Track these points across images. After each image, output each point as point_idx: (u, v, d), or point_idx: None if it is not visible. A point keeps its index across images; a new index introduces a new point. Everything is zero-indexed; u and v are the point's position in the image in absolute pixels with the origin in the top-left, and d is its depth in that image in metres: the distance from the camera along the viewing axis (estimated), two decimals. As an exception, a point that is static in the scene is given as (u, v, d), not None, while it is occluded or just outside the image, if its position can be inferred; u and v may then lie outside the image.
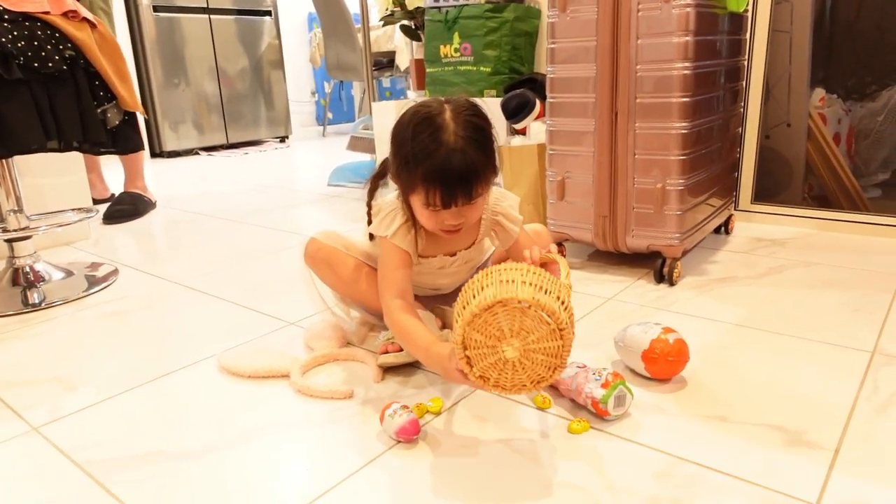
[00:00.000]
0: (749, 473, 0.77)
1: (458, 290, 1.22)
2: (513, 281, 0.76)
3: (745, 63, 1.78)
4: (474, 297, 0.76)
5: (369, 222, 1.07)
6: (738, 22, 1.60)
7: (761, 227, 1.85)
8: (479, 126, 0.95)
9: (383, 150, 1.16)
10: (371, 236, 1.11)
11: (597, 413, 0.89)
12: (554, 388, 0.97)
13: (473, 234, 1.13)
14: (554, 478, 0.78)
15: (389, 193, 1.08)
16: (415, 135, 0.93)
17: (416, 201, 0.97)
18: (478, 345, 0.76)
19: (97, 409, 0.99)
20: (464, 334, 0.76)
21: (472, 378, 0.79)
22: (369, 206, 1.08)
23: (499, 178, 1.96)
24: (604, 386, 0.89)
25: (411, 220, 1.04)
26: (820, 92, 1.90)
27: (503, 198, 1.11)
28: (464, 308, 0.77)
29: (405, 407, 0.87)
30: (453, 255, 1.13)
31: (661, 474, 0.77)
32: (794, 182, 1.93)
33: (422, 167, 0.92)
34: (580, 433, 0.86)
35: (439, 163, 0.91)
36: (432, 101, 0.96)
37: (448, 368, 0.84)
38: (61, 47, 1.42)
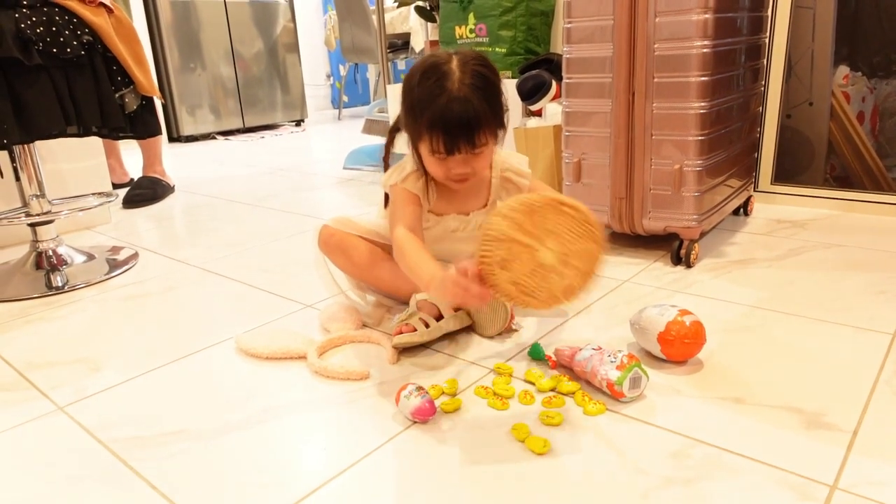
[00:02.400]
0: (765, 455, 0.76)
1: None
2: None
3: (767, 40, 1.74)
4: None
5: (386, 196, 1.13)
6: (759, -2, 1.56)
7: (782, 209, 1.82)
8: (484, 76, 0.97)
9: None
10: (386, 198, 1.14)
11: (612, 395, 0.89)
12: (569, 370, 0.98)
13: (485, 194, 1.14)
14: (569, 459, 0.78)
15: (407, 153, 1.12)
16: (420, 82, 0.97)
17: (424, 149, 1.01)
18: (513, 243, 0.71)
19: (121, 389, 1.02)
20: (499, 229, 0.71)
21: (487, 281, 0.76)
22: (386, 157, 1.12)
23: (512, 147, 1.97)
24: (619, 368, 0.88)
25: (421, 170, 1.07)
26: (844, 69, 1.85)
27: (511, 156, 1.15)
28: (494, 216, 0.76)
29: (421, 388, 0.88)
30: (467, 214, 1.14)
31: (676, 455, 0.77)
32: (815, 162, 1.89)
33: (426, 114, 0.96)
34: (596, 415, 0.87)
35: (441, 109, 0.95)
36: (441, 52, 1.00)
37: (447, 279, 0.83)
38: (79, 32, 1.43)
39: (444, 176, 1.03)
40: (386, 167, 1.13)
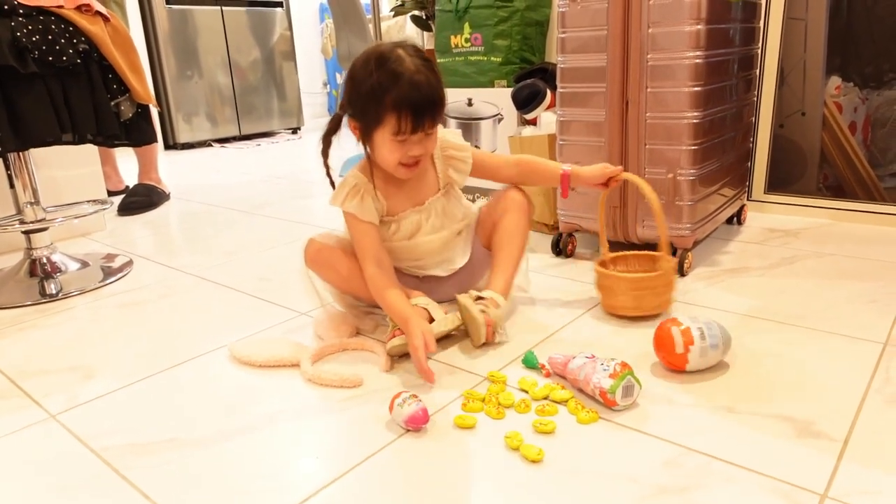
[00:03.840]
0: (757, 463, 0.77)
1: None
2: None
3: (759, 51, 1.76)
4: None
5: (332, 185, 1.15)
6: (751, 9, 1.58)
7: (775, 218, 1.83)
8: (430, 61, 1.04)
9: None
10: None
11: (605, 403, 0.90)
12: (563, 378, 0.98)
13: (433, 177, 1.18)
14: (562, 467, 0.78)
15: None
16: (378, 67, 1.00)
17: (383, 135, 1.03)
18: None
19: (113, 397, 1.01)
20: None
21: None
22: (327, 166, 1.14)
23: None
24: (612, 376, 0.89)
25: (362, 180, 1.11)
26: (836, 80, 1.87)
27: (446, 133, 1.19)
28: None
29: (414, 396, 0.88)
30: (423, 203, 1.16)
31: (669, 464, 0.78)
32: (808, 172, 1.91)
33: (389, 95, 0.99)
34: (588, 423, 0.87)
35: (407, 86, 0.99)
36: (381, 44, 1.05)
37: (412, 336, 0.99)
38: (75, 41, 1.44)
39: (398, 161, 1.06)
40: (328, 171, 1.16)
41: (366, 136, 1.07)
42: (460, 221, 1.22)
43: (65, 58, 1.41)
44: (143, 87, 1.61)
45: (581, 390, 0.94)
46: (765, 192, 1.91)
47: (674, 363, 0.97)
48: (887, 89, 1.82)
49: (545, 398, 0.93)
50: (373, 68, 1.01)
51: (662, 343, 0.98)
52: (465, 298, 1.10)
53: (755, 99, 1.80)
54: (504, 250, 1.20)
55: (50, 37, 1.40)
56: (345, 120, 1.11)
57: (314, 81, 5.40)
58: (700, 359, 0.96)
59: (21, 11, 1.38)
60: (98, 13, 1.51)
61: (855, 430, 0.82)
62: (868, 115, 1.86)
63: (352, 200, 1.11)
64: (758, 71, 1.77)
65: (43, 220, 1.60)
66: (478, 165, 1.20)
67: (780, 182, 1.90)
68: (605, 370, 0.90)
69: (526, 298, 1.31)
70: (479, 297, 1.12)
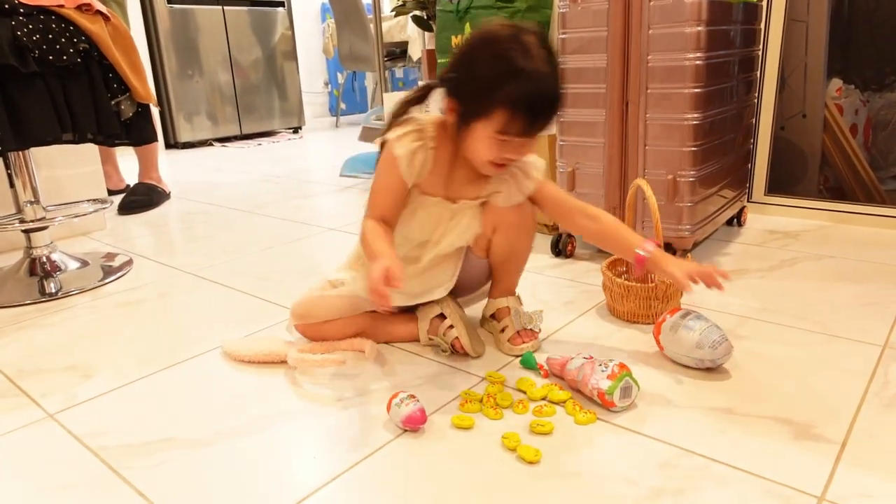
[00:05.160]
0: (754, 466, 0.77)
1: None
2: None
3: (760, 53, 1.76)
4: None
5: (381, 148, 1.01)
6: (752, 11, 1.58)
7: (775, 220, 1.83)
8: (555, 53, 0.91)
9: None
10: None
11: (603, 404, 0.90)
12: (560, 379, 0.98)
13: (483, 184, 1.03)
14: (560, 468, 0.78)
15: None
16: (502, 53, 0.87)
17: (485, 129, 0.91)
18: None
19: (111, 396, 1.01)
20: None
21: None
22: (390, 128, 1.00)
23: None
24: (610, 377, 0.89)
25: (432, 143, 0.98)
26: (837, 82, 1.87)
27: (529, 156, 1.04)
28: None
29: (412, 396, 0.88)
30: (455, 202, 1.04)
31: (666, 465, 0.77)
32: (809, 174, 1.91)
33: (508, 88, 0.86)
34: (586, 424, 0.87)
35: (530, 85, 0.87)
36: (503, 22, 0.92)
37: (373, 268, 0.86)
38: (75, 40, 1.44)
39: (486, 159, 0.94)
40: (385, 132, 1.01)
41: (463, 121, 0.93)
42: (467, 242, 1.08)
43: (65, 57, 1.41)
44: (144, 86, 1.61)
45: (579, 391, 0.94)
46: (765, 194, 1.91)
47: (655, 332, 1.05)
48: (888, 91, 1.81)
49: (543, 399, 0.93)
50: (497, 52, 0.88)
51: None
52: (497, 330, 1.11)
53: (756, 101, 1.80)
54: (513, 270, 1.14)
55: (50, 36, 1.40)
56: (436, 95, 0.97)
57: (315, 81, 5.40)
58: (671, 333, 1.00)
59: (21, 10, 1.38)
60: (98, 12, 1.51)
61: (853, 433, 0.82)
62: (869, 117, 1.85)
63: (407, 144, 0.97)
64: (758, 73, 1.77)
65: (43, 219, 1.60)
66: (545, 198, 1.06)
67: (781, 184, 1.90)
68: (603, 371, 0.90)
69: (525, 299, 1.31)
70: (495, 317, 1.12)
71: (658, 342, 1.04)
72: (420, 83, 0.99)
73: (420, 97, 0.99)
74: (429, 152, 0.98)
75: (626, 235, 1.05)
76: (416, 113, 1.01)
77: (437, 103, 0.99)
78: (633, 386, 0.89)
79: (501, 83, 0.87)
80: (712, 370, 0.99)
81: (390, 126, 1.00)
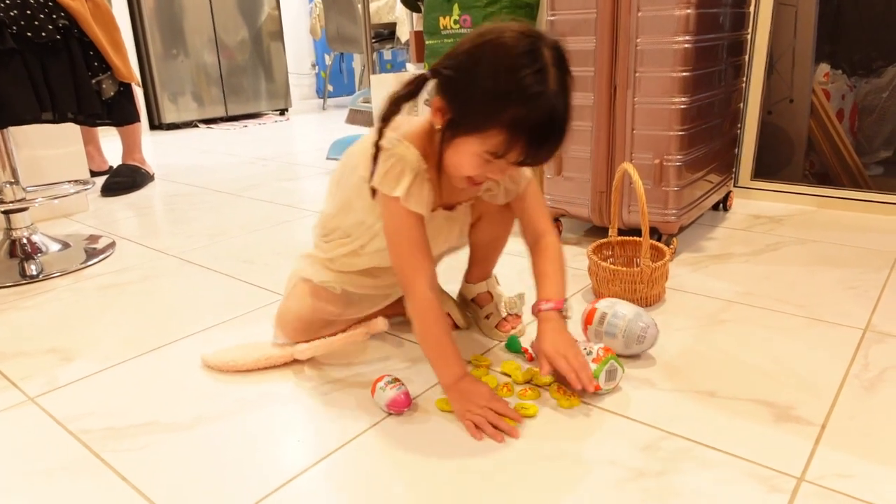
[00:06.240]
0: (736, 448, 0.77)
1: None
2: None
3: (749, 37, 1.75)
4: None
5: (375, 158, 0.86)
6: (741, -6, 1.57)
7: (760, 204, 1.84)
8: (570, 76, 0.79)
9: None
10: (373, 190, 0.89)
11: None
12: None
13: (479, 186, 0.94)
14: (543, 451, 0.78)
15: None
16: (511, 69, 0.75)
17: (475, 145, 0.79)
18: None
19: (93, 379, 1.00)
20: None
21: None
22: (381, 133, 0.86)
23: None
24: (595, 361, 0.89)
25: (418, 159, 0.86)
26: (824, 67, 1.87)
27: None
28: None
29: (396, 380, 0.88)
30: (453, 209, 0.98)
31: (649, 448, 0.78)
32: (795, 159, 1.91)
33: (513, 111, 0.75)
34: (569, 408, 0.87)
35: (540, 112, 0.76)
36: (520, 27, 0.78)
37: (473, 397, 0.84)
38: (54, 16, 1.41)
39: (465, 174, 0.84)
40: (375, 157, 0.87)
41: (451, 129, 0.81)
42: (463, 242, 1.08)
43: (44, 33, 1.38)
44: (126, 64, 1.58)
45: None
46: (751, 179, 1.91)
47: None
48: (875, 77, 1.82)
49: (528, 382, 0.93)
50: (507, 65, 0.75)
51: (583, 315, 1.04)
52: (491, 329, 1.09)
53: (744, 85, 1.80)
54: (493, 256, 1.12)
55: (28, 11, 1.36)
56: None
57: (303, 62, 5.33)
58: (597, 340, 1.00)
59: (-2, -15, 1.35)
60: (78, -12, 1.48)
61: (833, 415, 0.83)
62: (856, 102, 1.86)
63: (403, 183, 0.85)
64: (747, 57, 1.77)
65: (23, 199, 1.57)
66: (519, 201, 0.99)
67: (767, 169, 1.91)
68: (588, 354, 0.90)
69: (511, 282, 1.31)
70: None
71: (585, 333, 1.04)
72: (410, 71, 0.86)
73: (412, 92, 0.84)
74: (424, 176, 0.87)
75: (547, 278, 0.95)
76: (395, 128, 0.87)
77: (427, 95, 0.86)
78: (618, 368, 0.90)
79: (506, 103, 0.75)
80: (692, 355, 1.00)
81: (377, 147, 0.86)
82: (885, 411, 0.84)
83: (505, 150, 0.78)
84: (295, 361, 1.02)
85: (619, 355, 0.96)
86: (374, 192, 0.88)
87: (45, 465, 0.80)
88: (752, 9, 1.73)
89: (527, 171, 0.98)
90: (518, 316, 1.11)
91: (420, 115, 1.04)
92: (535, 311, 0.93)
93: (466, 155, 0.81)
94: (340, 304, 1.05)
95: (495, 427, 0.82)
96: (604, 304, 1.02)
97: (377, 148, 0.86)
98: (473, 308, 1.14)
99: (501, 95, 0.76)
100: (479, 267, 1.13)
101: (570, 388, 0.89)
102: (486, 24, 0.80)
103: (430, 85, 0.84)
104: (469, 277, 1.14)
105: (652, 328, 0.98)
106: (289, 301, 1.06)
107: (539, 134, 0.77)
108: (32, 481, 0.77)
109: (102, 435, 0.85)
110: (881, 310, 1.13)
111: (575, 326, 1.10)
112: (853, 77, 1.85)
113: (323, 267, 1.04)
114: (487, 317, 1.10)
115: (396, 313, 1.10)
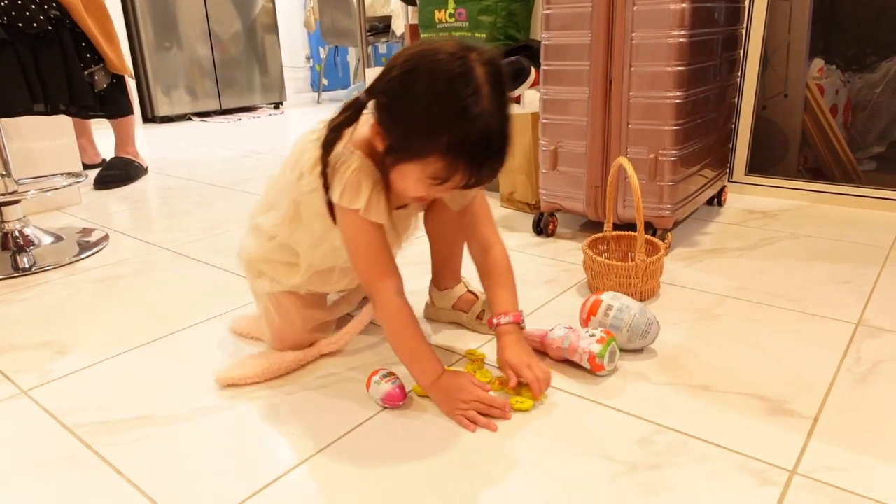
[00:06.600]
0: (729, 441, 0.78)
1: None
2: None
3: (743, 31, 1.75)
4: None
5: (325, 184, 0.85)
6: (737, -11, 1.57)
7: (754, 199, 1.84)
8: (506, 92, 0.78)
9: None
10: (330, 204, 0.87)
11: (592, 368, 0.92)
12: (543, 354, 0.98)
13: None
14: (537, 445, 0.79)
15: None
16: (443, 95, 0.74)
17: (416, 171, 0.79)
18: None
19: (86, 373, 1.00)
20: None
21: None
22: (325, 163, 0.84)
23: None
24: (599, 342, 0.92)
25: (372, 169, 0.85)
26: (819, 62, 1.87)
27: None
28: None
29: (391, 374, 0.88)
30: (405, 206, 0.97)
31: (643, 441, 0.78)
32: (789, 153, 1.92)
33: (449, 137, 0.74)
34: (527, 410, 0.85)
35: (478, 136, 0.74)
36: (452, 46, 0.76)
37: (457, 390, 0.85)
38: (46, 7, 1.39)
39: (412, 195, 0.84)
40: (325, 182, 0.85)
41: (391, 154, 0.80)
42: (416, 233, 1.08)
43: (35, 24, 1.37)
44: (119, 56, 1.56)
45: (566, 360, 0.95)
46: (746, 174, 1.92)
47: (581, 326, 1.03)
48: (869, 73, 1.82)
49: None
50: (437, 90, 0.74)
51: (583, 305, 1.05)
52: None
53: (738, 80, 1.80)
54: (459, 255, 1.10)
55: (20, 2, 1.35)
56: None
57: (297, 55, 5.31)
58: (597, 326, 1.00)
59: (-12, -25, 1.33)
60: (70, -21, 1.46)
61: (825, 409, 0.84)
62: (849, 98, 1.86)
63: (367, 198, 0.84)
64: (742, 52, 1.77)
65: (15, 192, 1.56)
66: (468, 209, 0.98)
67: (762, 164, 1.91)
68: (592, 337, 0.93)
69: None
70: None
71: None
72: (351, 96, 0.79)
73: (350, 118, 0.83)
74: (379, 185, 0.86)
75: (501, 291, 0.96)
76: (342, 143, 0.84)
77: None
78: (617, 351, 0.93)
79: (441, 130, 0.74)
80: (686, 349, 1.01)
81: (324, 163, 0.84)
82: (877, 405, 0.85)
83: (446, 175, 0.77)
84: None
85: (620, 349, 0.97)
86: (330, 205, 0.87)
87: (38, 458, 0.80)
88: (746, 4, 1.73)
89: None
90: None
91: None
92: (493, 324, 0.94)
93: (410, 180, 0.81)
94: (325, 309, 1.06)
95: (487, 417, 0.83)
96: (609, 297, 1.02)
97: (325, 163, 0.84)
98: (457, 314, 1.11)
99: (436, 123, 0.75)
100: (447, 268, 1.10)
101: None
102: (418, 44, 0.79)
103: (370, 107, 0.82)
104: (439, 285, 1.11)
105: (655, 324, 0.99)
106: (274, 325, 1.02)
107: (478, 156, 0.76)
108: (25, 475, 0.77)
109: (96, 428, 0.85)
110: (873, 304, 1.14)
111: (572, 319, 1.11)
112: (847, 72, 1.86)
113: (286, 275, 1.01)
114: (479, 316, 1.08)
115: None
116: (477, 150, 0.76)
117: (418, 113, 0.76)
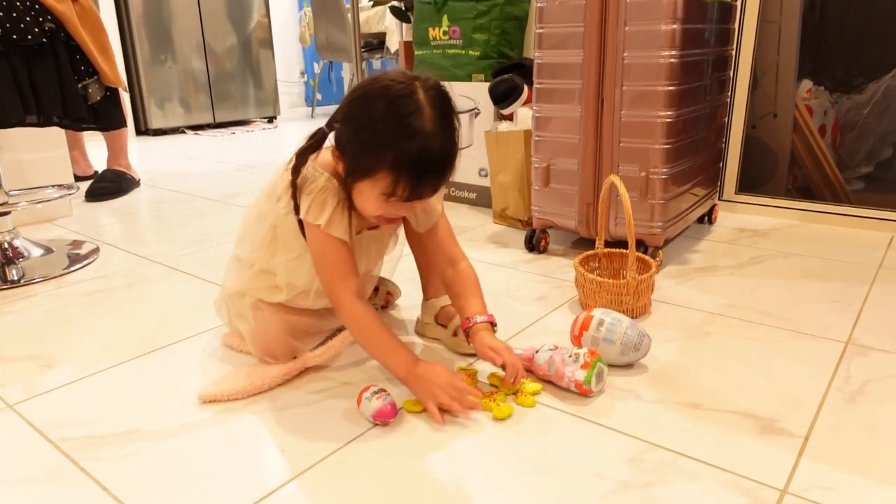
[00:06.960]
0: (720, 460, 0.78)
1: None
2: None
3: (733, 52, 1.78)
4: None
5: (296, 205, 0.92)
6: (727, 11, 1.59)
7: (745, 218, 1.86)
8: (452, 110, 0.86)
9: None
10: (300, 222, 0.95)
11: (580, 393, 0.92)
12: (531, 373, 0.98)
13: (396, 222, 1.02)
14: (528, 462, 0.78)
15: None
16: (387, 112, 0.82)
17: (371, 189, 0.85)
18: None
19: (74, 387, 0.99)
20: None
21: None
22: (294, 186, 0.92)
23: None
24: (584, 367, 0.91)
25: (344, 199, 0.91)
26: (807, 83, 1.90)
27: None
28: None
29: (382, 390, 0.87)
30: (376, 227, 1.02)
31: (634, 459, 0.78)
32: (779, 173, 1.94)
33: (392, 152, 0.82)
34: (506, 417, 0.87)
35: (417, 149, 0.81)
36: (398, 75, 0.85)
37: (433, 377, 0.88)
38: (41, 19, 1.40)
39: (376, 215, 0.90)
40: (296, 203, 0.93)
41: (349, 175, 0.88)
42: (396, 256, 1.18)
43: (30, 36, 1.37)
44: (113, 69, 1.57)
45: (552, 383, 0.95)
46: (736, 193, 1.94)
47: (575, 344, 1.03)
48: (857, 93, 1.85)
49: (514, 393, 0.93)
50: (381, 111, 0.82)
51: (574, 322, 1.04)
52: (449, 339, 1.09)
53: (728, 100, 1.82)
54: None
55: (14, 14, 1.35)
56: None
57: (291, 70, 5.33)
58: (593, 346, 1.00)
59: (-16, -12, 1.34)
60: (66, -8, 1.47)
61: (815, 428, 0.84)
62: (837, 118, 1.89)
63: (330, 214, 0.91)
64: (732, 72, 1.79)
65: (5, 203, 1.55)
66: (432, 233, 1.03)
67: (751, 183, 1.93)
68: (576, 362, 0.92)
69: (498, 293, 1.32)
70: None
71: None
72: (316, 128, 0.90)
73: (314, 145, 0.91)
74: (344, 203, 0.92)
75: (472, 298, 1.00)
76: (309, 164, 0.92)
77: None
78: (604, 370, 0.93)
79: (385, 146, 0.82)
80: (677, 367, 1.01)
81: (294, 185, 0.92)
82: (867, 424, 0.85)
83: (393, 189, 0.83)
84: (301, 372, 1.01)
85: (612, 364, 0.97)
86: (300, 222, 0.94)
87: (23, 474, 0.78)
88: (736, 25, 1.76)
89: (437, 206, 1.02)
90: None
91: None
92: (467, 325, 0.97)
93: (367, 197, 0.88)
94: (308, 316, 1.07)
95: (461, 404, 0.86)
96: (600, 312, 1.03)
97: (294, 185, 0.92)
98: (439, 330, 1.11)
99: (381, 140, 0.82)
100: (431, 279, 1.14)
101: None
102: (371, 76, 0.87)
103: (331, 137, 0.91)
104: (426, 295, 1.16)
105: (646, 337, 1.00)
106: (249, 328, 1.04)
107: (418, 170, 0.83)
108: (10, 491, 0.75)
109: (83, 443, 0.84)
110: (863, 323, 1.15)
111: (563, 336, 1.11)
112: (835, 93, 1.89)
113: (269, 297, 1.05)
114: (455, 333, 1.07)
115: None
116: (416, 165, 0.82)
117: (366, 132, 0.84)
